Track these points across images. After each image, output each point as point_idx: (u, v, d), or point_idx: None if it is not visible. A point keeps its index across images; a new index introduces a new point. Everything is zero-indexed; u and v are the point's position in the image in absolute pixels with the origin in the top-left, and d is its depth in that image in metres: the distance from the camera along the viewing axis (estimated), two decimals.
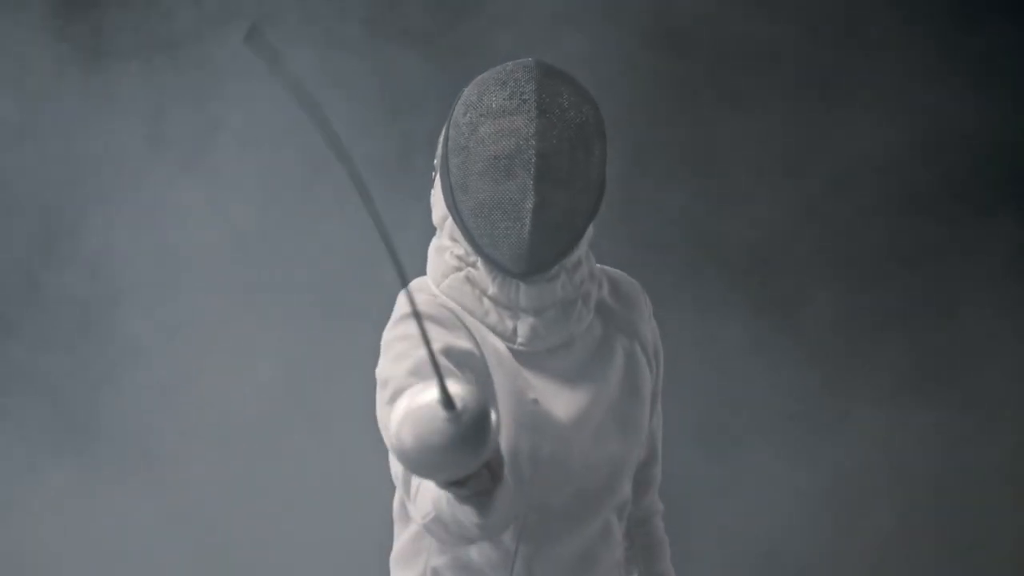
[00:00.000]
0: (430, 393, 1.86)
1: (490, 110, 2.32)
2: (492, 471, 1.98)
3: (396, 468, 2.31)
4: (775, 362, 4.68)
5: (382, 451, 2.26)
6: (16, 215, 4.54)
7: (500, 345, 2.38)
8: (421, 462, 1.86)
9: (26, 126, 4.53)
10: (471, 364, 2.33)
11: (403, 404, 1.87)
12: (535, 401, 2.37)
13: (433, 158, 2.45)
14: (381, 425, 2.29)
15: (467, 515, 2.08)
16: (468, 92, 2.37)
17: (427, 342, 1.83)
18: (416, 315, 1.82)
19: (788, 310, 4.70)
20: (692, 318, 4.65)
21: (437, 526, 2.19)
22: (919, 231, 4.72)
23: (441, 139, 2.39)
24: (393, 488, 2.46)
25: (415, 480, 2.23)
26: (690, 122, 4.70)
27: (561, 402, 2.39)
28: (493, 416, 1.87)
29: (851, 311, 4.71)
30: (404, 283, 1.83)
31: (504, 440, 2.32)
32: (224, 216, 4.56)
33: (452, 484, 1.96)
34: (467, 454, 1.85)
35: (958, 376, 4.70)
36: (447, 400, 1.84)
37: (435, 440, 1.84)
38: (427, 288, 2.43)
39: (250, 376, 4.56)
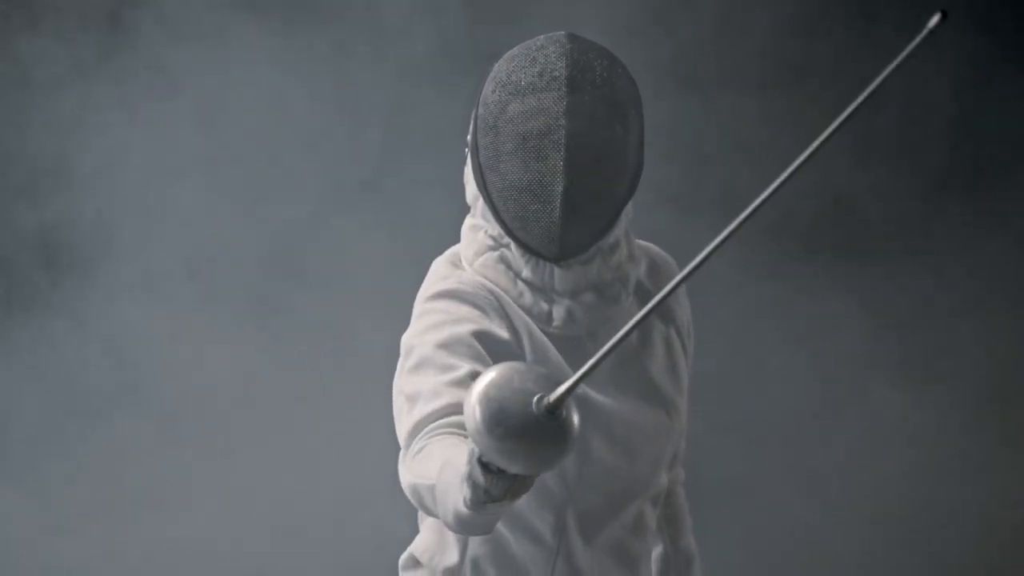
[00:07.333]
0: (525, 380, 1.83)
1: (519, 88, 2.30)
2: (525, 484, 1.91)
3: (401, 430, 2.25)
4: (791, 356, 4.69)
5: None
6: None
7: (540, 335, 2.35)
8: (498, 447, 1.80)
9: None
10: (505, 356, 2.29)
11: (483, 382, 1.82)
12: (581, 395, 2.33)
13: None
14: (395, 390, 2.27)
15: (475, 494, 1.94)
16: (498, 68, 2.35)
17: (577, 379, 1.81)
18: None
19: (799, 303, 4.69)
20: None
21: (425, 491, 2.09)
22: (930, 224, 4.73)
23: (472, 117, 2.37)
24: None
25: (416, 444, 2.17)
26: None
27: (605, 395, 2.36)
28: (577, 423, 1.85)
29: (871, 301, 4.70)
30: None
31: None
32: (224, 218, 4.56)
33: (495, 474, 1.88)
34: (551, 459, 1.82)
35: (978, 367, 4.70)
36: (553, 403, 1.81)
37: (527, 433, 1.80)
38: (461, 263, 2.41)
39: (250, 377, 4.54)
